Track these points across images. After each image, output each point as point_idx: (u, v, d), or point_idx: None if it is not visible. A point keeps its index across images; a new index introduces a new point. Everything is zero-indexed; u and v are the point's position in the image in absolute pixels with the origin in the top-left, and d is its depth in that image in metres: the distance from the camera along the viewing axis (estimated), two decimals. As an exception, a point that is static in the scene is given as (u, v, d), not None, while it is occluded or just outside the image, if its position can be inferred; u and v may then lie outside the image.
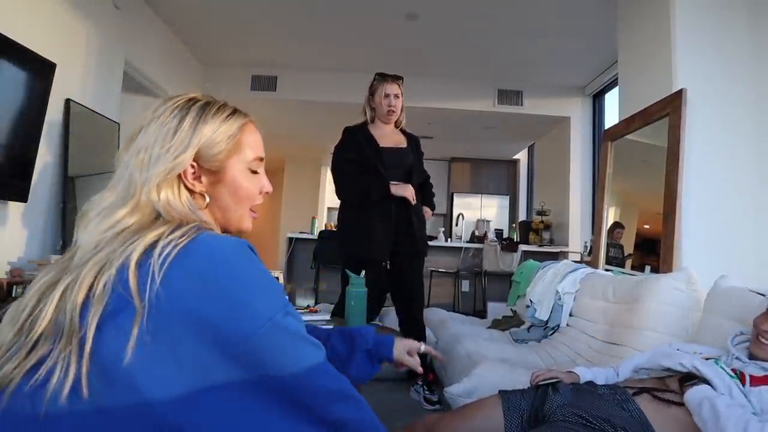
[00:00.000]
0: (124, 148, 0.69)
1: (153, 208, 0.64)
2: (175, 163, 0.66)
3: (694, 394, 1.08)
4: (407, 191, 2.29)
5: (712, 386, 1.09)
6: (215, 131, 0.70)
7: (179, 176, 0.68)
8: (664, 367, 1.23)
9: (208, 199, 0.71)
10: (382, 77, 2.39)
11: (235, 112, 0.74)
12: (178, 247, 0.57)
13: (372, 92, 2.41)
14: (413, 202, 2.32)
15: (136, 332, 0.53)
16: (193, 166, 0.69)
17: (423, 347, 1.03)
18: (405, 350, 1.00)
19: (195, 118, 0.69)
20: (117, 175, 0.67)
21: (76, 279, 0.57)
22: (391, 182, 2.29)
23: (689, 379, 1.14)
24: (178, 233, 0.59)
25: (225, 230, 0.75)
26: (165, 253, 0.56)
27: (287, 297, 0.64)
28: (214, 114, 0.71)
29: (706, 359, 1.20)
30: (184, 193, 0.68)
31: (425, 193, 2.59)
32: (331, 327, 0.94)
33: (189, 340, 0.54)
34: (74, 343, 0.53)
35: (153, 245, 0.58)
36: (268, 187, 0.79)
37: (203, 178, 0.70)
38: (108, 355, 0.52)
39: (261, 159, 0.77)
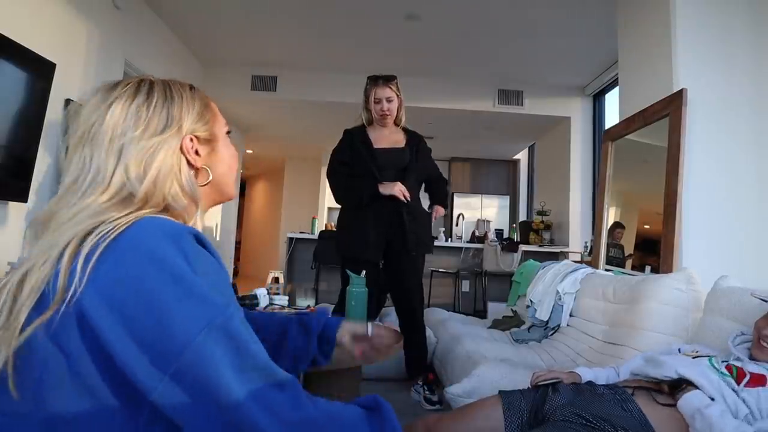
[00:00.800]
0: (73, 149, 0.61)
1: (126, 188, 0.59)
2: (163, 139, 0.62)
3: (686, 404, 1.08)
4: (395, 189, 2.26)
5: (701, 389, 1.09)
6: (192, 103, 0.67)
7: (181, 151, 0.64)
8: (651, 377, 1.23)
9: (211, 176, 0.69)
10: (374, 81, 2.37)
11: (192, 85, 0.71)
12: (108, 239, 0.51)
13: (366, 96, 2.40)
14: (403, 199, 2.27)
15: (32, 329, 0.48)
16: (191, 140, 0.66)
17: (370, 330, 0.97)
18: (350, 333, 0.94)
19: (162, 94, 0.65)
20: (73, 175, 0.60)
21: (29, 269, 0.53)
22: (382, 182, 2.28)
23: (680, 384, 1.14)
24: (115, 223, 0.53)
25: (218, 202, 0.74)
26: (93, 243, 0.51)
27: (238, 301, 0.57)
28: (178, 88, 0.68)
29: (695, 357, 1.20)
30: (184, 169, 0.64)
31: (435, 191, 2.56)
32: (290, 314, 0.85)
33: (120, 350, 0.48)
34: (5, 335, 0.50)
35: (88, 233, 0.53)
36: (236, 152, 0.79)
37: (200, 151, 0.68)
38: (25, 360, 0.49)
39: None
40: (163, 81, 0.68)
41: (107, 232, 0.52)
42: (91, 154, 0.60)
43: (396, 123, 2.44)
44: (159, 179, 0.61)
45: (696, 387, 1.10)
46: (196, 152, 0.67)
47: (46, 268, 0.52)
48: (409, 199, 2.30)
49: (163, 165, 0.62)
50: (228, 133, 0.75)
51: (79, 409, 0.49)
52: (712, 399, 1.07)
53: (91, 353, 0.49)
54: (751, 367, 1.12)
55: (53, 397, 0.49)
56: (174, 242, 0.53)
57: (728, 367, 1.14)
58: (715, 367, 1.14)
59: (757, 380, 1.09)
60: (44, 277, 0.52)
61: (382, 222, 2.30)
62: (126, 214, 0.55)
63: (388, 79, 2.35)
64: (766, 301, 1.28)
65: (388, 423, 0.57)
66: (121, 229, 0.53)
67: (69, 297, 0.49)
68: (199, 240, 0.56)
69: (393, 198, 2.29)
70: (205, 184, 0.68)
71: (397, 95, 2.38)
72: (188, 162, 0.65)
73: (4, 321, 0.51)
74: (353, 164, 2.34)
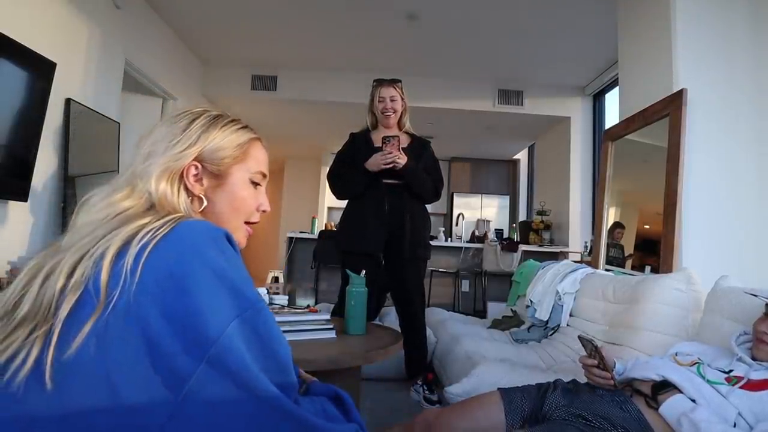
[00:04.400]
0: (135, 154, 0.71)
1: (148, 198, 0.64)
2: (177, 157, 0.68)
3: (669, 409, 1.07)
4: (378, 159, 2.23)
5: (683, 392, 1.09)
6: (224, 137, 0.72)
7: (181, 175, 0.68)
8: (632, 378, 1.23)
9: (205, 203, 0.71)
10: (378, 82, 2.41)
11: (246, 126, 0.76)
12: (155, 240, 0.56)
13: (371, 98, 2.43)
14: (392, 161, 2.22)
15: (88, 329, 0.51)
16: (196, 168, 0.70)
17: None
18: None
19: (206, 123, 0.71)
20: (120, 174, 0.69)
21: (57, 264, 0.56)
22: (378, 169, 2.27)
23: (662, 387, 1.14)
24: (158, 223, 0.58)
25: None
26: (141, 244, 0.55)
27: (263, 298, 0.61)
28: (227, 123, 0.73)
29: (690, 364, 1.19)
30: (183, 192, 0.68)
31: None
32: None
33: (158, 341, 0.52)
34: (42, 331, 0.52)
35: (134, 236, 0.57)
36: (266, 205, 0.79)
37: (205, 181, 0.71)
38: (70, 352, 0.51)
39: (264, 175, 0.78)
40: (218, 114, 0.74)
41: (153, 235, 0.56)
42: (133, 157, 0.69)
43: (400, 127, 2.44)
44: (168, 194, 0.66)
45: (677, 390, 1.10)
46: (199, 180, 0.71)
47: (85, 267, 0.55)
48: (400, 153, 2.23)
49: (173, 184, 0.67)
50: (256, 184, 0.77)
51: (98, 407, 0.51)
52: (693, 401, 1.07)
53: (137, 344, 0.52)
54: (753, 374, 1.11)
55: (79, 396, 0.51)
56: (214, 242, 0.58)
57: (728, 379, 1.13)
58: (701, 374, 1.14)
59: (758, 385, 1.08)
60: (85, 274, 0.54)
61: (382, 215, 2.30)
62: (165, 220, 0.59)
63: (392, 81, 2.39)
64: (757, 296, 1.28)
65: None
66: (167, 230, 0.57)
67: (117, 296, 0.52)
68: (230, 241, 0.61)
69: (396, 195, 2.29)
70: (199, 212, 0.71)
71: (401, 97, 2.39)
72: (186, 186, 0.69)
73: (40, 321, 0.53)
74: (354, 164, 2.35)
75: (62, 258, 0.56)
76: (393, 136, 2.26)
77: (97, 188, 0.67)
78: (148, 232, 0.56)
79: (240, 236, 0.76)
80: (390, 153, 2.22)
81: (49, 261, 0.57)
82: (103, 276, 0.53)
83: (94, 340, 0.51)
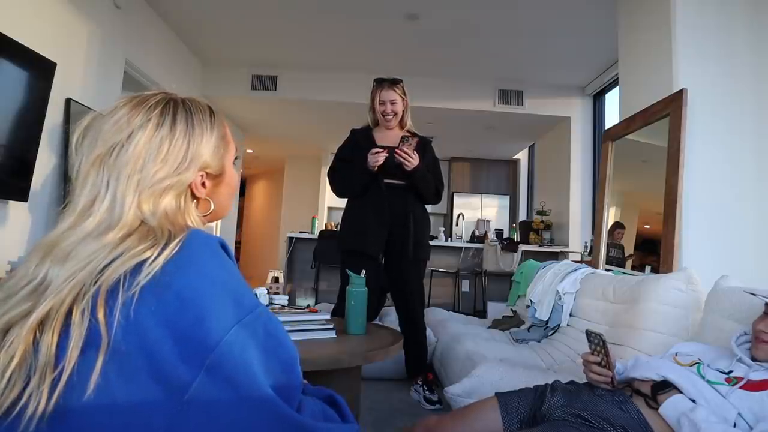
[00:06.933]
0: (91, 164, 0.61)
1: (138, 219, 0.60)
2: (179, 179, 0.64)
3: (669, 409, 1.07)
4: (371, 158, 2.22)
5: (682, 392, 1.09)
6: (210, 138, 0.68)
7: (189, 187, 0.66)
8: (632, 377, 1.23)
9: (213, 206, 0.71)
10: (379, 83, 2.38)
11: (211, 109, 0.72)
12: (156, 269, 0.54)
13: (371, 98, 2.41)
14: (383, 159, 2.22)
15: (100, 364, 0.50)
16: (202, 176, 0.68)
17: None
18: None
19: (184, 124, 0.66)
20: (89, 197, 0.61)
21: (52, 308, 0.52)
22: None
23: (662, 387, 1.14)
24: (161, 259, 0.55)
25: (210, 221, 0.75)
26: (144, 274, 0.53)
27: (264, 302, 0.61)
28: (200, 117, 0.68)
29: (690, 365, 1.19)
30: (191, 203, 0.67)
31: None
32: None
33: (159, 353, 0.51)
34: (47, 381, 0.49)
35: (134, 268, 0.54)
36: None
37: (207, 183, 0.69)
38: (76, 391, 0.50)
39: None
40: (185, 106, 0.68)
41: (154, 264, 0.54)
42: (107, 180, 0.61)
43: (401, 126, 2.43)
44: (169, 213, 0.62)
45: (677, 390, 1.10)
46: (203, 185, 0.69)
47: (84, 305, 0.52)
48: (378, 161, 2.23)
49: (171, 202, 0.63)
50: (235, 159, 0.76)
51: (97, 417, 0.50)
52: (693, 401, 1.07)
53: (138, 357, 0.51)
54: (753, 375, 1.11)
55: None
56: (211, 253, 0.59)
57: (727, 380, 1.13)
58: (701, 374, 1.14)
59: (758, 385, 1.08)
60: (86, 312, 0.52)
61: (382, 217, 2.30)
62: (169, 249, 0.56)
63: (393, 82, 2.35)
64: (755, 295, 1.28)
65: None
66: (171, 253, 0.55)
67: (118, 324, 0.51)
68: (224, 248, 0.61)
69: (397, 195, 2.29)
70: (205, 215, 0.70)
71: (402, 98, 2.37)
72: (192, 193, 0.67)
73: (42, 370, 0.50)
74: (355, 162, 2.34)
75: (55, 301, 0.53)
76: (410, 137, 2.25)
77: (61, 225, 0.61)
78: (150, 266, 0.54)
79: (228, 210, 0.77)
80: (399, 153, 2.21)
81: (38, 308, 0.52)
82: (100, 313, 0.51)
83: (104, 369, 0.50)
